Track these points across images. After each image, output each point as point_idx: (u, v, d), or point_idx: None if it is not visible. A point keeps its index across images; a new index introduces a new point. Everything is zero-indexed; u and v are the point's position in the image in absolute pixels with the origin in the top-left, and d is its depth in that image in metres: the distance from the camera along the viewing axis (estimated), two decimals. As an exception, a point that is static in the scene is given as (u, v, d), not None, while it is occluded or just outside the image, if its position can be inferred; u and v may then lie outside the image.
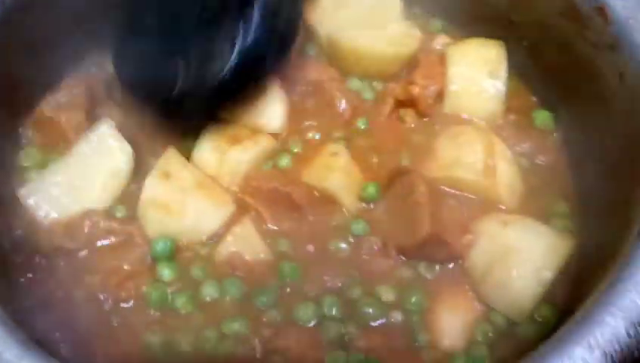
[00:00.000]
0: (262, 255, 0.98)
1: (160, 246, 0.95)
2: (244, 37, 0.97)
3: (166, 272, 0.95)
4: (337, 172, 1.04)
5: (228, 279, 0.95)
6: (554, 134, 1.16)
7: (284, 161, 1.08)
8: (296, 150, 1.10)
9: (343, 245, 1.00)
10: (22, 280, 0.93)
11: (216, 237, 1.00)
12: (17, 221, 0.98)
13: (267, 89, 1.13)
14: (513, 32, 1.20)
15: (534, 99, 1.21)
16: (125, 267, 0.96)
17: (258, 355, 0.88)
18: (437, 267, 0.99)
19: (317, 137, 1.13)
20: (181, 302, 0.93)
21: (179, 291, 0.94)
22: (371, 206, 1.05)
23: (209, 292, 0.95)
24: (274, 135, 1.12)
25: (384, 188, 1.06)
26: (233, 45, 0.97)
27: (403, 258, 0.99)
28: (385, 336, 0.90)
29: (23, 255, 0.95)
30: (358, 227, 1.01)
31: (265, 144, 1.10)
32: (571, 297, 0.93)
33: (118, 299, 0.93)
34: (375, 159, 1.10)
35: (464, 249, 0.98)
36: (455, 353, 0.90)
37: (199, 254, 0.98)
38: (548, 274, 0.94)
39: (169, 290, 0.94)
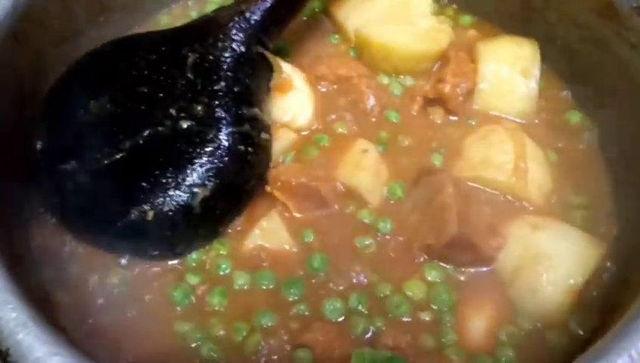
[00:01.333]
0: (288, 248, 0.97)
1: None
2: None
3: (191, 276, 0.95)
4: (366, 171, 1.03)
5: (258, 272, 0.94)
6: (588, 136, 1.13)
7: (313, 156, 1.07)
8: (324, 145, 1.09)
9: (369, 242, 0.98)
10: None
11: (237, 233, 0.99)
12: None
13: (294, 85, 1.12)
14: (547, 30, 1.18)
15: (568, 99, 1.18)
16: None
17: (287, 348, 0.87)
18: (465, 268, 0.97)
19: (345, 132, 1.12)
20: (215, 300, 0.93)
21: (209, 290, 0.94)
22: (398, 204, 1.03)
23: (239, 284, 0.94)
24: (302, 129, 1.11)
25: (411, 187, 1.04)
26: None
27: (429, 258, 0.97)
28: (412, 334, 0.89)
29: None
30: (384, 225, 1.00)
31: (286, 138, 1.09)
32: (605, 303, 0.92)
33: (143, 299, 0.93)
34: (404, 157, 1.09)
35: (492, 252, 0.96)
36: (482, 355, 0.89)
37: (219, 253, 0.98)
38: (579, 281, 0.92)
39: (198, 291, 0.94)
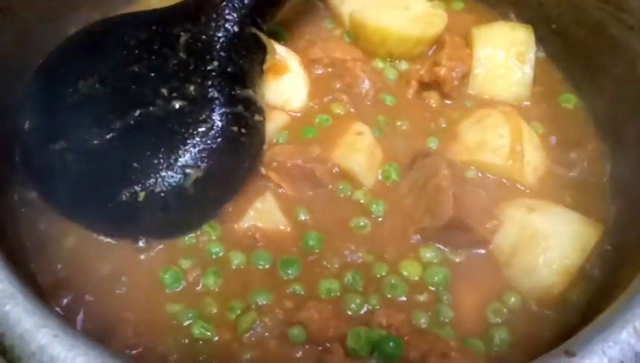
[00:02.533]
0: (282, 228, 0.96)
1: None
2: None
3: (183, 260, 0.94)
4: (361, 152, 1.02)
5: (254, 251, 0.93)
6: (584, 119, 1.13)
7: (308, 137, 1.05)
8: (320, 127, 1.08)
9: (364, 222, 0.98)
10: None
11: (231, 214, 0.97)
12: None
13: (289, 68, 1.11)
14: (542, 14, 1.18)
15: (563, 83, 1.18)
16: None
17: (281, 326, 0.86)
18: (461, 250, 0.96)
19: (342, 113, 1.11)
20: (210, 281, 0.91)
21: (202, 274, 0.92)
22: (393, 187, 1.02)
23: (235, 264, 0.93)
24: (296, 112, 1.10)
25: (406, 170, 1.03)
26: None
27: (424, 240, 0.96)
28: (406, 314, 0.88)
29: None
30: (378, 208, 0.99)
31: (280, 120, 1.08)
32: (604, 283, 0.91)
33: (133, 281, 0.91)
34: (399, 140, 1.08)
35: (488, 234, 0.95)
36: (477, 334, 0.88)
37: (211, 237, 0.96)
38: (576, 261, 0.91)
39: (189, 275, 0.92)
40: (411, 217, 0.98)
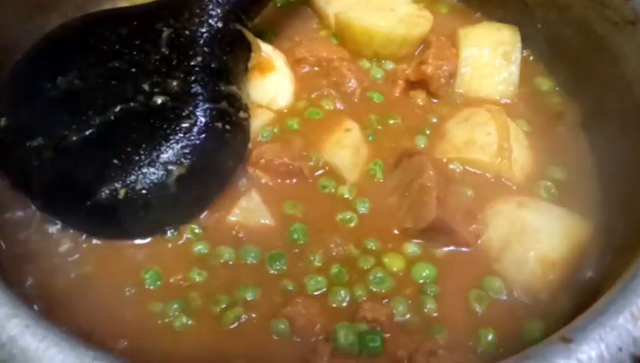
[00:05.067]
0: (267, 223, 0.94)
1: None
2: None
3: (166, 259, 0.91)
4: (346, 149, 1.01)
5: (241, 247, 0.91)
6: (570, 117, 1.12)
7: (295, 134, 1.04)
8: (306, 123, 1.06)
9: (350, 216, 0.96)
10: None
11: (215, 212, 0.95)
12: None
13: (275, 66, 1.10)
14: (526, 14, 1.19)
15: (549, 81, 1.18)
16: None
17: (266, 322, 0.84)
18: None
19: (331, 108, 1.10)
20: (195, 277, 0.89)
21: (186, 271, 0.89)
22: (378, 185, 1.01)
23: (220, 261, 0.90)
24: (281, 110, 1.09)
25: (392, 168, 1.02)
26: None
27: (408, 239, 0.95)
28: (391, 308, 0.86)
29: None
30: (362, 206, 0.98)
31: (266, 117, 1.07)
32: (593, 276, 0.90)
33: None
34: (386, 139, 1.07)
35: (471, 237, 0.93)
36: (463, 330, 0.86)
37: (195, 237, 0.93)
38: (566, 256, 0.90)
39: (172, 273, 0.89)
40: (394, 217, 0.96)
